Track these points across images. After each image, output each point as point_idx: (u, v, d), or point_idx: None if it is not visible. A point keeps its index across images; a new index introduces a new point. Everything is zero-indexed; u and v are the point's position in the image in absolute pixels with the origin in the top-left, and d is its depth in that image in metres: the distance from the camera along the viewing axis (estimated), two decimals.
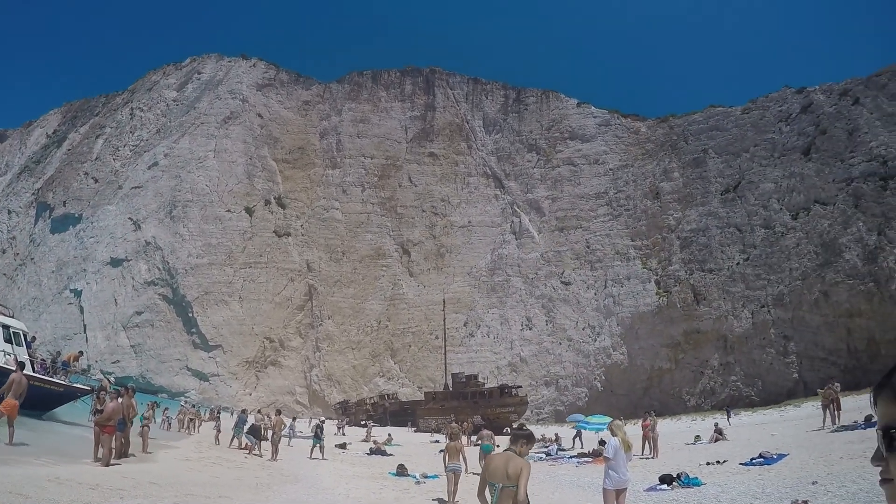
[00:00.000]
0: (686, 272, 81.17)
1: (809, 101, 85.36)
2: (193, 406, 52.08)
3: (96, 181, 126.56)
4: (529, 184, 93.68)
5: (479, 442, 27.96)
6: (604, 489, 11.94)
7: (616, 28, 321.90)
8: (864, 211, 70.36)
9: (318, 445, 30.32)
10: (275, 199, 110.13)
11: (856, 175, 73.52)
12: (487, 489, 7.49)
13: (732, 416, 53.88)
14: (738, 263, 78.19)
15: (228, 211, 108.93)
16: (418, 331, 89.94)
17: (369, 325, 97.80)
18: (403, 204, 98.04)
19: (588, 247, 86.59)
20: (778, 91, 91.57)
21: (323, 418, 42.76)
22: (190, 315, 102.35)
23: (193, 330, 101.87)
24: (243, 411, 35.93)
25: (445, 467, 18.02)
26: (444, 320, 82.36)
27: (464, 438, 36.63)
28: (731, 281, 77.26)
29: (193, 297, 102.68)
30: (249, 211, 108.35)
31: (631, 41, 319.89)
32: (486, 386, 70.50)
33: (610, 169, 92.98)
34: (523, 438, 7.71)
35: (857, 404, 41.58)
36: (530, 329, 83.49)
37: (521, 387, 70.82)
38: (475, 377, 71.84)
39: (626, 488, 12.14)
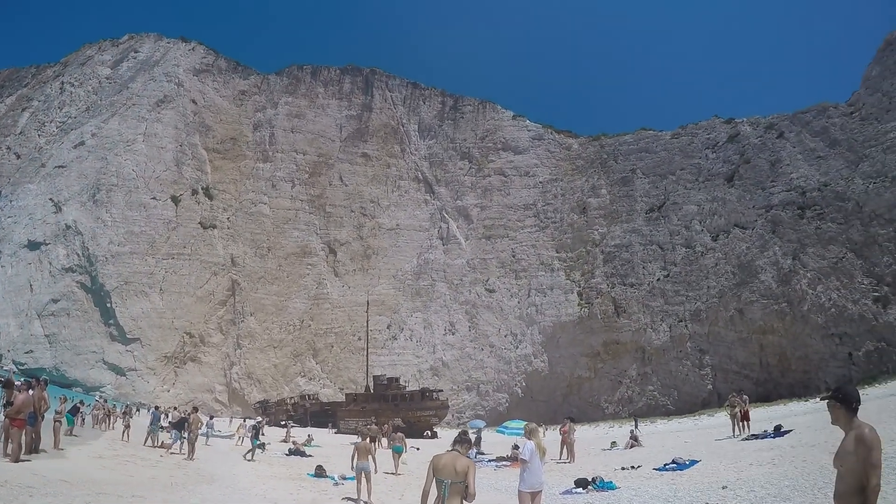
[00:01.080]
0: (608, 285, 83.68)
1: (737, 131, 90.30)
2: (107, 402, 50.48)
3: (18, 157, 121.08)
4: (460, 191, 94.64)
5: (392, 443, 29.58)
6: (519, 491, 12.05)
7: (556, 46, 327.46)
8: (780, 236, 74.14)
9: (256, 447, 29.79)
10: (202, 189, 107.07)
11: (775, 203, 77.78)
12: (434, 485, 8.21)
13: (639, 424, 55.48)
14: (658, 279, 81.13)
15: (154, 198, 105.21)
16: (341, 331, 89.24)
17: (292, 323, 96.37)
18: (333, 203, 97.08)
19: (514, 256, 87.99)
20: (707, 120, 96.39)
21: (261, 419, 41.97)
22: (108, 305, 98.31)
23: (111, 321, 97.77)
24: (156, 408, 35.23)
25: (353, 466, 18.49)
26: (367, 322, 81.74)
27: (384, 441, 37.01)
28: (651, 296, 79.91)
29: (113, 286, 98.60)
30: (175, 200, 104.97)
31: (570, 60, 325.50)
32: (408, 389, 70.79)
33: (540, 182, 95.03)
34: (467, 442, 8.70)
35: (768, 415, 43.54)
36: (453, 334, 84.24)
37: (442, 391, 71.75)
38: (397, 380, 71.97)
39: (541, 491, 12.26)
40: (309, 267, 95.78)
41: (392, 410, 63.41)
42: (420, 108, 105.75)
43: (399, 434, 31.33)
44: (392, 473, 26.32)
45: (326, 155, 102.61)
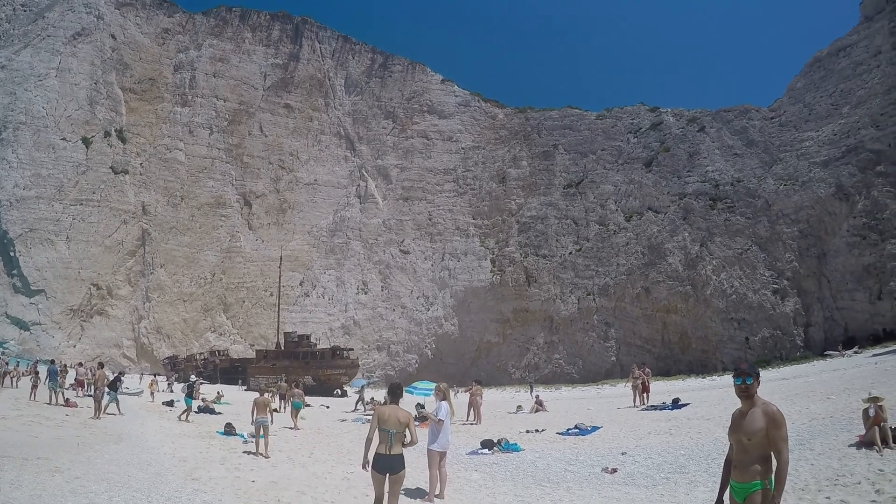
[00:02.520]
0: (521, 255, 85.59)
1: (660, 120, 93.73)
2: (10, 360, 48.17)
3: None
4: (381, 150, 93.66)
5: (291, 399, 29.98)
6: (429, 450, 12.27)
7: (491, 15, 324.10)
8: (691, 224, 77.68)
9: (189, 407, 29.00)
10: (116, 131, 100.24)
11: (689, 192, 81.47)
12: (378, 434, 9.39)
13: (541, 391, 58.92)
14: (570, 253, 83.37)
15: (64, 139, 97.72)
16: (253, 286, 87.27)
17: (203, 276, 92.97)
18: (251, 153, 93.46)
19: (430, 219, 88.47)
20: (633, 106, 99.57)
21: (195, 377, 40.56)
22: (11, 254, 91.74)
23: (14, 272, 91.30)
24: (52, 362, 34.05)
25: (252, 420, 19.11)
26: (280, 278, 79.86)
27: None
28: (563, 268, 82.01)
29: (17, 233, 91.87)
30: (87, 142, 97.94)
31: (504, 31, 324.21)
32: (319, 347, 70.40)
33: (462, 148, 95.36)
34: (399, 393, 9.95)
35: (667, 388, 45.23)
36: (366, 293, 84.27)
37: (352, 349, 72.13)
38: (308, 337, 71.10)
39: (447, 451, 12.62)
40: (223, 219, 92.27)
41: (302, 368, 63.14)
42: (349, 62, 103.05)
43: (298, 390, 31.78)
44: (291, 428, 26.63)
45: (248, 103, 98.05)
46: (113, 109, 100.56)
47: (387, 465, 9.26)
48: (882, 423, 13.13)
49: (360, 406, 39.86)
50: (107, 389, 26.38)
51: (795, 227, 72.91)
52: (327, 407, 42.17)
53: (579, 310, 79.09)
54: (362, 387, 44.61)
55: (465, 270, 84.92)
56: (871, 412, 13.45)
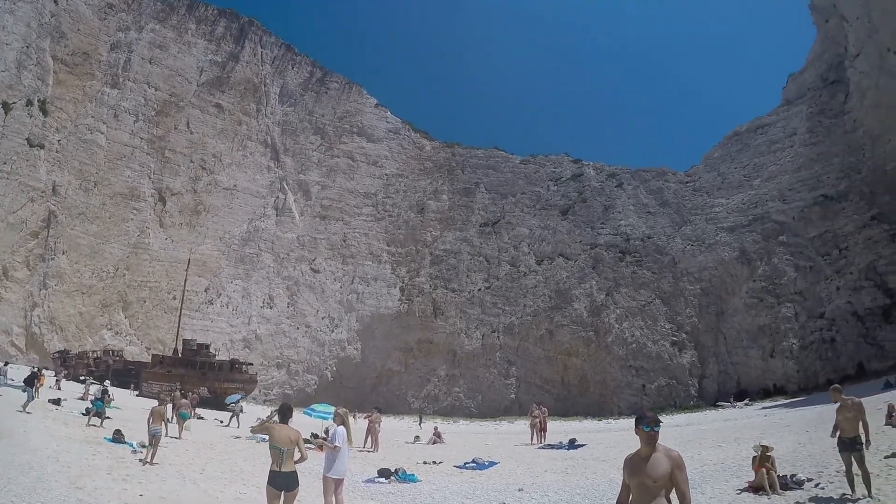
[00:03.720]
0: (431, 286, 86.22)
1: (581, 171, 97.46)
2: None
3: None
4: (305, 165, 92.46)
5: (178, 409, 29.37)
6: (324, 476, 12.08)
7: (431, 47, 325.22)
8: (599, 273, 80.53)
9: (96, 412, 27.76)
10: (39, 101, 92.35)
11: (601, 242, 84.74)
12: (270, 452, 9.96)
13: (437, 423, 57.97)
14: (479, 289, 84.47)
15: None
16: (157, 287, 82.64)
17: (106, 270, 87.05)
18: (173, 148, 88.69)
19: (344, 240, 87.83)
20: (557, 155, 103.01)
21: (108, 383, 38.81)
22: None
23: None
24: None
25: (148, 429, 18.83)
26: (185, 281, 76.83)
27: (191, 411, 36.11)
28: (470, 303, 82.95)
29: None
30: (6, 107, 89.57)
31: (442, 66, 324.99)
32: (218, 358, 68.03)
33: (386, 174, 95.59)
34: (290, 413, 10.57)
35: (564, 428, 46.23)
36: (271, 308, 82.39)
37: (252, 364, 69.63)
38: (207, 347, 68.60)
39: (343, 478, 12.43)
40: (134, 212, 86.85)
41: (199, 378, 60.40)
42: (287, 72, 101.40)
43: (185, 401, 31.57)
44: (176, 438, 26.12)
45: (179, 96, 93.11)
46: (40, 78, 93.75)
47: (283, 482, 9.87)
48: (770, 471, 13.95)
49: (234, 422, 39.02)
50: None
51: (698, 285, 76.53)
52: (221, 422, 40.99)
53: (483, 346, 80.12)
54: (237, 401, 43.50)
55: (374, 296, 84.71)
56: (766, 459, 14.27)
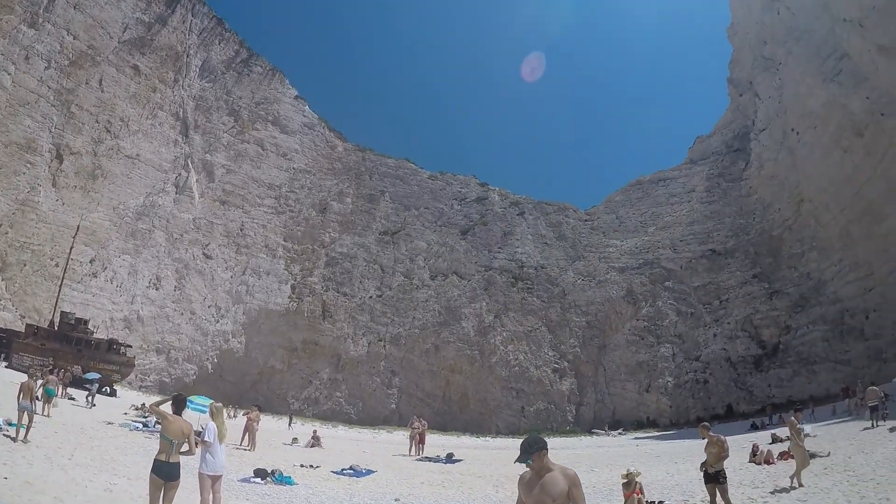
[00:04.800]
0: (323, 288, 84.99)
1: (486, 195, 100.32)
2: None
3: None
4: (213, 145, 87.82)
5: (45, 385, 27.49)
6: (200, 473, 11.73)
7: (359, 45, 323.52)
8: (490, 295, 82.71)
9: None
10: None
11: (495, 266, 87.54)
12: (160, 442, 9.99)
13: (297, 422, 60.38)
14: (371, 297, 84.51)
15: None
16: (40, 251, 73.85)
17: None
18: (80, 105, 78.53)
19: (241, 229, 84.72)
20: (466, 176, 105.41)
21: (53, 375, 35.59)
22: None
23: None
24: None
25: (18, 405, 18.27)
26: (71, 249, 69.02)
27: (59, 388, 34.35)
28: (360, 310, 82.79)
29: None
30: None
31: (368, 66, 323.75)
32: (96, 336, 62.42)
33: (294, 168, 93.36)
34: (183, 405, 10.64)
35: (442, 442, 46.81)
36: (157, 289, 76.49)
37: (131, 346, 64.80)
38: (86, 323, 63.01)
39: (221, 475, 12.11)
40: (28, 166, 73.82)
41: (74, 355, 55.79)
42: (213, 46, 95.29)
43: (53, 377, 30.15)
44: (46, 416, 25.05)
45: (98, 50, 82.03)
46: None
47: (167, 472, 9.86)
48: (639, 496, 14.64)
49: (90, 400, 37.38)
50: None
51: (584, 318, 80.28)
52: (94, 405, 39.58)
53: (368, 353, 79.96)
54: (95, 380, 41.57)
55: (264, 290, 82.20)
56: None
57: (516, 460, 6.45)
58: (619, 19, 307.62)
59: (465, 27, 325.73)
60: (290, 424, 56.69)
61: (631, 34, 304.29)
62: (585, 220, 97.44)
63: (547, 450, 6.44)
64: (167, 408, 10.66)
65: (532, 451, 6.35)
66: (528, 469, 6.43)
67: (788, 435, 18.29)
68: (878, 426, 28.05)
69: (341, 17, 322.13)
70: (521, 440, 6.63)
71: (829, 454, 21.42)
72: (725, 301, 75.60)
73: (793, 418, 18.05)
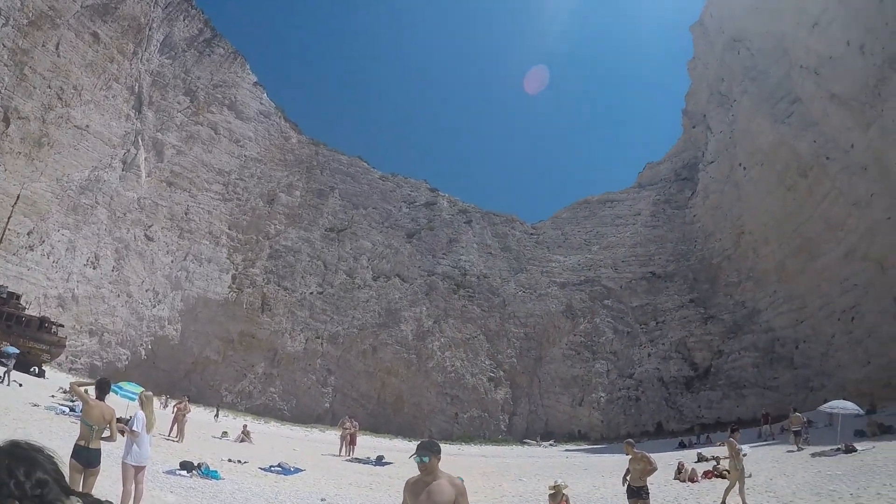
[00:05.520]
0: (264, 280, 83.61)
1: (435, 201, 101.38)
2: None
3: None
4: (166, 124, 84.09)
5: None
6: (123, 462, 11.40)
7: (320, 38, 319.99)
8: (431, 300, 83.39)
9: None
10: None
11: (438, 272, 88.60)
12: (80, 427, 9.87)
13: (230, 416, 59.84)
14: (312, 293, 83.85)
15: None
16: None
17: None
18: (34, 67, 72.05)
19: (186, 213, 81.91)
20: (417, 180, 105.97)
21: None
22: None
23: None
24: None
25: None
26: (9, 219, 67.27)
27: None
28: (300, 305, 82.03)
29: None
30: None
31: (328, 59, 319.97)
32: (27, 312, 58.30)
33: (245, 155, 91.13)
34: (107, 389, 10.55)
35: (374, 444, 47.28)
36: (95, 268, 72.34)
37: (63, 326, 61.31)
38: (18, 298, 58.74)
39: (145, 466, 11.91)
40: None
41: (2, 332, 51.45)
42: (177, 22, 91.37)
43: None
44: None
45: (58, 11, 76.24)
46: None
47: (87, 458, 9.70)
48: None
49: (5, 377, 35.80)
50: None
51: (523, 330, 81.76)
52: (20, 385, 38.12)
53: (305, 350, 79.31)
54: (12, 355, 39.12)
55: (204, 278, 79.83)
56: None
57: (412, 455, 6.50)
58: (583, 42, 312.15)
59: (428, 31, 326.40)
60: (216, 416, 55.70)
61: (593, 58, 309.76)
62: (531, 234, 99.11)
63: (440, 457, 6.48)
64: (91, 391, 10.53)
65: (431, 452, 6.38)
66: (417, 474, 6.47)
67: (726, 455, 19.20)
68: (801, 450, 29.77)
69: (309, 9, 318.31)
70: (421, 441, 6.68)
71: (750, 475, 22.36)
72: (662, 322, 78.24)
73: (731, 438, 18.84)
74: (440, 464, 6.46)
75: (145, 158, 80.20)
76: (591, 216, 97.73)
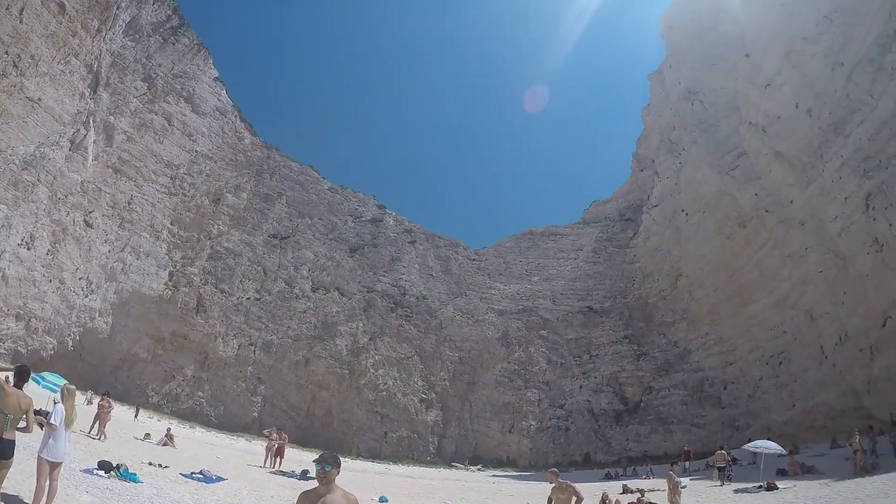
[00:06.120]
0: (201, 280, 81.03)
1: (382, 218, 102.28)
2: None
3: None
4: (120, 109, 79.65)
5: None
6: (39, 457, 10.92)
7: (285, 34, 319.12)
8: (368, 317, 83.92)
9: None
10: None
11: (378, 289, 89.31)
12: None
13: (155, 418, 57.96)
14: (249, 298, 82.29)
15: None
16: None
17: None
18: None
19: (129, 203, 77.87)
20: (365, 195, 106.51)
21: None
22: None
23: None
24: None
25: None
26: None
27: None
28: (236, 310, 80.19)
29: None
30: None
31: (288, 67, 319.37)
32: None
33: (196, 150, 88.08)
34: (27, 377, 10.04)
35: (300, 457, 46.91)
36: (29, 249, 67.59)
37: None
38: None
39: (61, 462, 11.42)
40: None
41: None
42: (146, 5, 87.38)
43: None
44: None
45: None
46: None
47: None
48: None
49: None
50: None
51: (457, 353, 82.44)
52: None
53: (237, 356, 77.19)
54: None
55: (141, 272, 76.05)
56: None
57: (315, 460, 6.68)
58: (544, 78, 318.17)
59: (395, 50, 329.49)
60: (136, 416, 53.55)
61: (551, 96, 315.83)
62: (473, 260, 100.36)
63: (339, 471, 6.67)
64: (10, 378, 10.15)
65: (333, 463, 6.59)
66: (315, 486, 6.64)
67: (651, 488, 19.38)
68: (724, 485, 31.14)
69: (281, 11, 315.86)
70: (322, 452, 6.96)
71: None
72: (595, 356, 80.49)
73: (670, 472, 19.51)
74: (338, 479, 6.65)
75: (94, 141, 75.77)
76: (534, 247, 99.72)
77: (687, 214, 73.59)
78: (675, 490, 18.59)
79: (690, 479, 34.77)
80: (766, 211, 58.90)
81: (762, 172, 60.26)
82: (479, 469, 67.75)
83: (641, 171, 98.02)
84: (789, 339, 57.07)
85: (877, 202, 41.76)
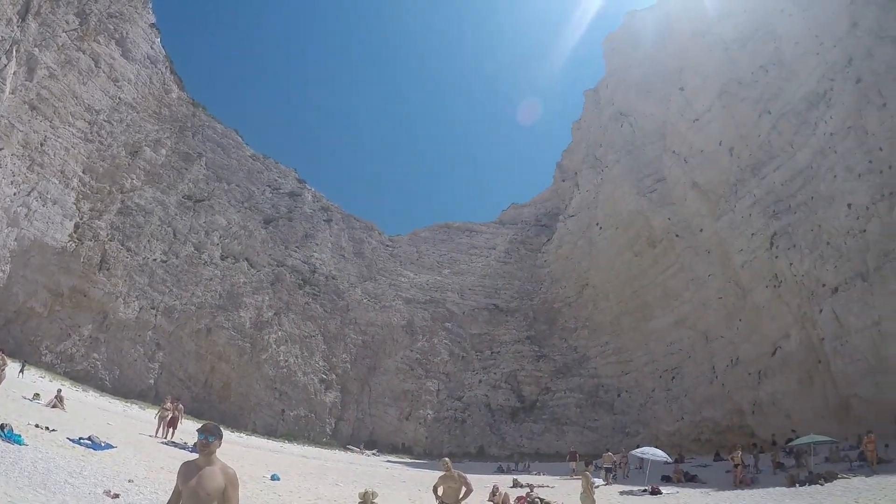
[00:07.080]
0: (108, 236, 76.55)
1: (301, 192, 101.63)
2: None
3: None
4: (47, 42, 72.71)
5: None
6: None
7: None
8: (276, 291, 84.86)
9: None
10: None
11: (288, 264, 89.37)
12: None
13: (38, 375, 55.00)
14: (155, 260, 79.47)
15: None
16: None
17: None
18: None
19: (42, 146, 71.48)
20: (287, 167, 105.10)
21: None
22: None
23: None
24: None
25: None
26: None
27: None
28: (141, 271, 77.13)
29: None
30: None
31: (229, 23, 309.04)
32: None
33: (119, 97, 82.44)
34: None
35: (194, 429, 44.75)
36: None
37: None
38: None
39: None
40: None
41: None
42: None
43: None
44: None
45: None
46: None
47: None
48: None
49: None
50: None
51: (361, 337, 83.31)
52: None
53: (137, 319, 73.92)
54: None
55: (45, 220, 70.12)
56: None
57: (198, 429, 6.56)
58: (479, 76, 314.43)
59: (333, 28, 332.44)
60: (20, 372, 50.85)
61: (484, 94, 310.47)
62: (387, 245, 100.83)
63: (221, 444, 6.60)
64: None
65: (217, 435, 6.52)
66: (195, 458, 6.57)
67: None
68: (610, 485, 33.49)
69: None
70: (205, 423, 6.78)
71: None
72: (497, 353, 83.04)
73: (587, 472, 20.57)
74: (218, 451, 6.63)
75: (14, 73, 68.82)
76: (449, 241, 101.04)
77: (601, 228, 76.67)
78: (590, 488, 19.26)
79: (577, 479, 36.48)
80: (677, 235, 63.01)
81: (678, 199, 63.96)
82: (374, 454, 68.89)
83: (563, 181, 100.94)
84: (684, 357, 61.53)
85: (781, 242, 47.19)
